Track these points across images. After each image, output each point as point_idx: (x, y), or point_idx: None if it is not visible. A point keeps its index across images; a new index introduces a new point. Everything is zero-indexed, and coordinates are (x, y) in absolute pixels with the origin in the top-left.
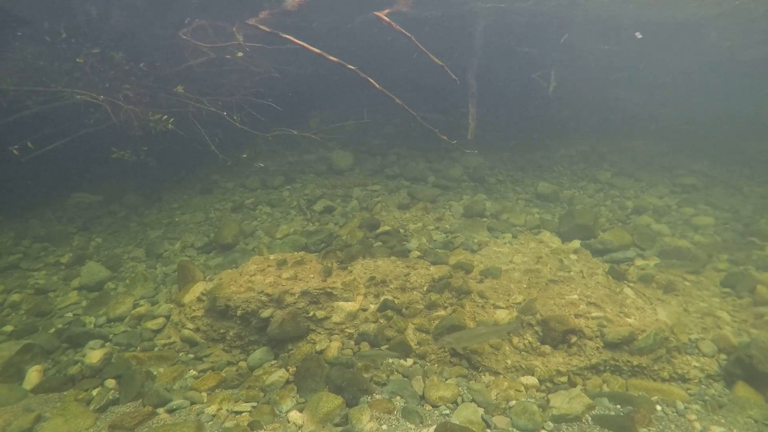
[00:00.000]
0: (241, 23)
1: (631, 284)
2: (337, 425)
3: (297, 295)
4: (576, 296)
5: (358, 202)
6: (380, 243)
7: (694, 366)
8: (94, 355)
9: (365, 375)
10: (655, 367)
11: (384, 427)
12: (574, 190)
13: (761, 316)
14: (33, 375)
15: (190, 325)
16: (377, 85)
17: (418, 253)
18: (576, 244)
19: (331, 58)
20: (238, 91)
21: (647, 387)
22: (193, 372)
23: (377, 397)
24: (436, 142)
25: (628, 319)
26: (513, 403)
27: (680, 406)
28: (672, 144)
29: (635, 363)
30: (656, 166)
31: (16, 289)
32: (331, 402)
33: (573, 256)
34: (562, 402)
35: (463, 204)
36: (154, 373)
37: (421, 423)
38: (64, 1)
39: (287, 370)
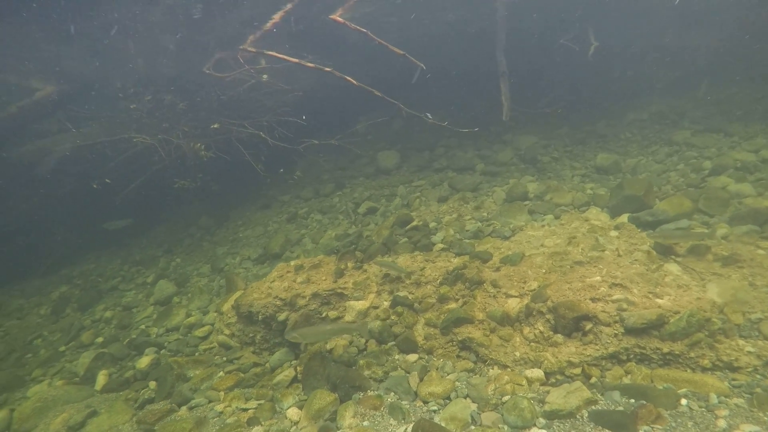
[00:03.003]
0: (241, 50)
1: (679, 259)
2: (326, 421)
3: (308, 298)
4: (599, 278)
5: (401, 200)
6: (406, 239)
7: (748, 351)
8: (143, 361)
9: (366, 372)
10: (692, 354)
11: (365, 423)
12: (641, 157)
13: None
14: (101, 378)
15: (227, 331)
16: (355, 82)
17: (442, 246)
18: (624, 218)
19: (326, 69)
20: (278, 108)
21: (676, 378)
22: (221, 373)
23: (369, 393)
24: (485, 127)
25: (658, 300)
26: (507, 398)
27: (713, 400)
28: None
29: (666, 350)
30: (758, 114)
31: (111, 307)
32: (324, 399)
33: (613, 233)
34: (558, 397)
35: (506, 189)
36: (190, 375)
37: (404, 420)
38: (116, 59)
39: (295, 369)
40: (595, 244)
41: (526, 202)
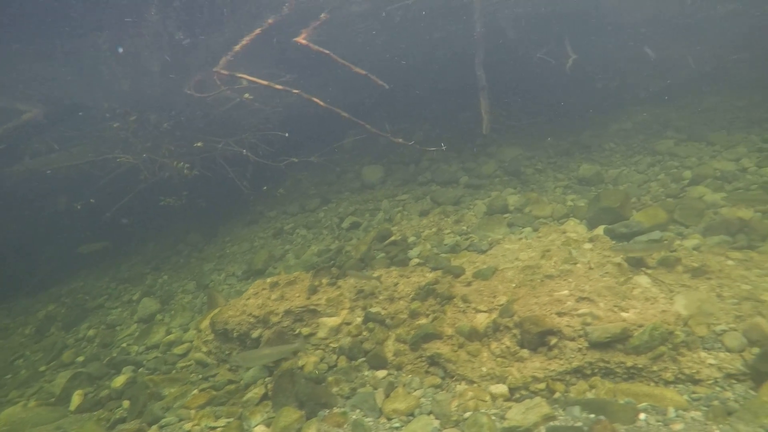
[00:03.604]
0: (215, 72)
1: (649, 271)
2: None
3: (281, 315)
4: (567, 292)
5: (384, 214)
6: (383, 254)
7: (710, 364)
8: (119, 380)
9: (334, 389)
10: (655, 368)
11: None
12: (623, 167)
13: None
14: (76, 398)
15: (204, 349)
16: (321, 103)
17: (418, 260)
18: (600, 230)
19: (294, 90)
20: (262, 126)
21: (637, 392)
22: (195, 391)
23: (335, 410)
24: (470, 140)
25: (623, 314)
26: (468, 414)
27: (671, 414)
28: (764, 91)
29: (630, 364)
30: (741, 123)
31: (95, 325)
32: (290, 416)
33: (587, 246)
34: (517, 413)
35: (487, 202)
36: (165, 393)
37: None
38: (103, 81)
39: (266, 387)
40: (567, 257)
41: (506, 215)
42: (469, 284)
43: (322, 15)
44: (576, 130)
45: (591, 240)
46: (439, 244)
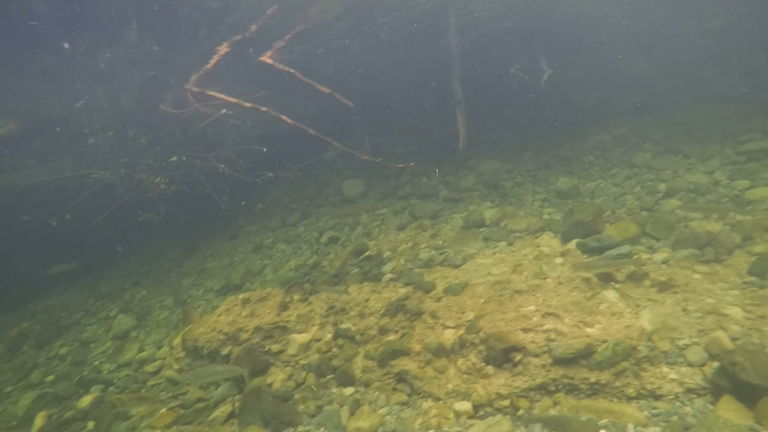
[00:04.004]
0: (186, 89)
1: (617, 285)
2: None
3: (250, 332)
4: (533, 307)
5: (363, 228)
6: (357, 269)
7: (671, 379)
8: (86, 400)
9: (300, 406)
10: (618, 384)
11: None
12: (600, 180)
13: None
14: (39, 420)
15: (176, 366)
16: (289, 121)
17: (391, 276)
18: (572, 244)
19: (262, 108)
20: (242, 141)
21: (599, 408)
22: (163, 410)
23: (300, 429)
24: (450, 154)
25: (588, 329)
26: None
27: (630, 430)
28: (742, 105)
29: (593, 380)
30: (717, 135)
31: (69, 342)
32: None
33: (558, 260)
34: (479, 431)
35: (464, 216)
36: (132, 413)
37: None
38: (81, 96)
39: (233, 405)
40: (538, 271)
41: (482, 229)
42: (438, 300)
43: (287, 36)
44: (556, 143)
45: (562, 254)
46: (414, 259)
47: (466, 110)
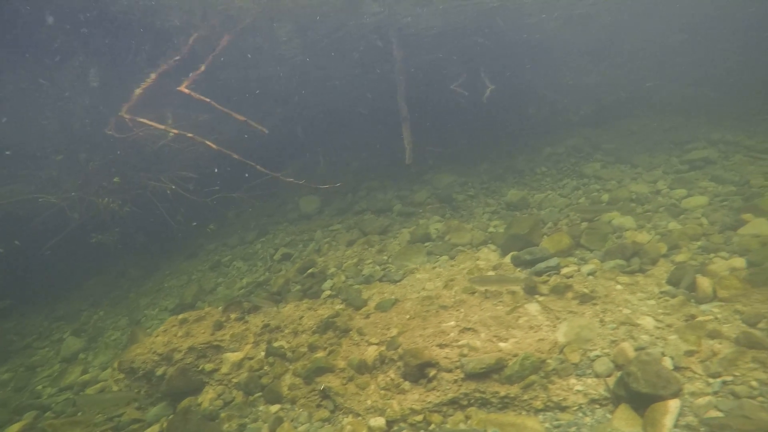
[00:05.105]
0: (119, 117)
1: (541, 298)
2: None
3: (184, 351)
4: (453, 323)
5: (316, 245)
6: (299, 286)
7: (577, 390)
8: (14, 428)
9: (225, 425)
10: (526, 397)
11: None
12: (549, 191)
13: (692, 318)
14: None
15: (115, 387)
16: (214, 146)
17: (329, 293)
18: (507, 258)
19: (188, 135)
20: (198, 161)
21: (503, 422)
22: None
23: None
24: (405, 169)
25: (501, 344)
26: None
27: None
28: (689, 115)
29: (503, 394)
30: (665, 145)
31: (15, 367)
32: None
33: (491, 274)
34: None
35: (412, 230)
36: None
37: None
38: (32, 119)
39: (161, 426)
40: (467, 286)
41: (427, 244)
42: (368, 317)
43: (201, 66)
44: (511, 154)
45: (495, 268)
46: (357, 275)
47: (428, 125)
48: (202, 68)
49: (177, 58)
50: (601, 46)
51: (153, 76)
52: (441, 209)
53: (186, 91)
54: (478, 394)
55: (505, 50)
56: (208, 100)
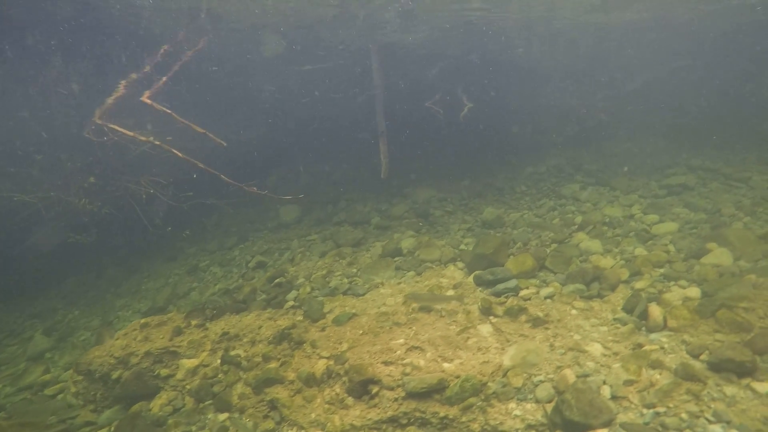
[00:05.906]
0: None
1: (495, 319)
2: None
3: (140, 356)
4: (402, 341)
5: (290, 254)
6: (265, 295)
7: (515, 415)
8: None
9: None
10: (464, 419)
11: None
12: (525, 211)
13: (639, 347)
14: None
15: (73, 389)
16: (180, 155)
17: (292, 303)
18: (470, 277)
19: (156, 142)
20: (178, 165)
21: None
22: None
23: None
24: (387, 181)
25: (445, 365)
26: None
27: None
28: (671, 140)
29: (443, 414)
30: (646, 169)
31: None
32: None
33: (450, 292)
34: None
35: (384, 244)
36: None
37: None
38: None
39: (110, 430)
40: (425, 304)
41: (396, 258)
42: (323, 329)
43: (163, 79)
44: (493, 172)
45: (455, 287)
46: (323, 287)
47: (411, 141)
48: (164, 80)
49: (146, 69)
50: (586, 68)
51: (122, 85)
52: (416, 224)
53: (148, 102)
54: (418, 414)
55: (491, 70)
56: (169, 111)
